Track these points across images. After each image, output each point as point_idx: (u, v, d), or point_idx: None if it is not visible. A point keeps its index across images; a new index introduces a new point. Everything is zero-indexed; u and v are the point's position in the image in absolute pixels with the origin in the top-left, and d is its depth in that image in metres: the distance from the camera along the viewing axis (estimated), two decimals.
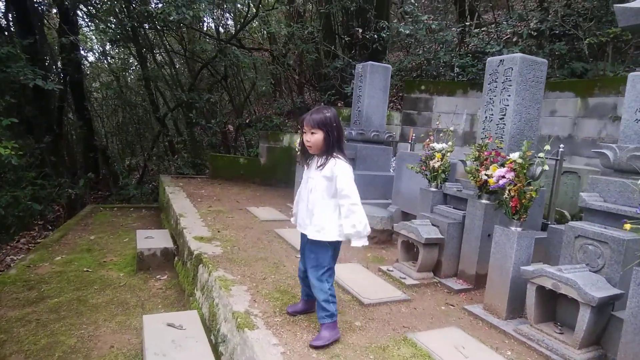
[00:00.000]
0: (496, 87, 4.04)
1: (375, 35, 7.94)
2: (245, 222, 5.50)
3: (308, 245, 2.74)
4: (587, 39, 6.18)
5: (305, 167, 2.77)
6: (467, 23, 7.92)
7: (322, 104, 8.50)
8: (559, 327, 2.80)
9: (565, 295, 2.64)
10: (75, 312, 4.06)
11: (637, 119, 2.94)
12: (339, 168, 2.55)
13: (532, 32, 7.00)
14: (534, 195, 2.92)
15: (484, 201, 3.65)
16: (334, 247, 2.70)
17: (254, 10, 10.01)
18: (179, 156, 9.72)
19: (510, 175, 3.05)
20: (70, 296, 4.40)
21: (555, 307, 2.92)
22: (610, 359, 2.59)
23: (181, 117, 11.59)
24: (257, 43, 11.77)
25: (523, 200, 2.98)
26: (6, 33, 9.55)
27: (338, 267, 3.60)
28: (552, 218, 4.24)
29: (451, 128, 4.40)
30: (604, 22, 6.34)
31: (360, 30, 8.22)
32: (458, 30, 7.62)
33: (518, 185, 2.98)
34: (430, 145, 4.30)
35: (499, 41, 7.16)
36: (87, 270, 5.12)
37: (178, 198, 6.60)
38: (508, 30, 7.19)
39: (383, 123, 6.33)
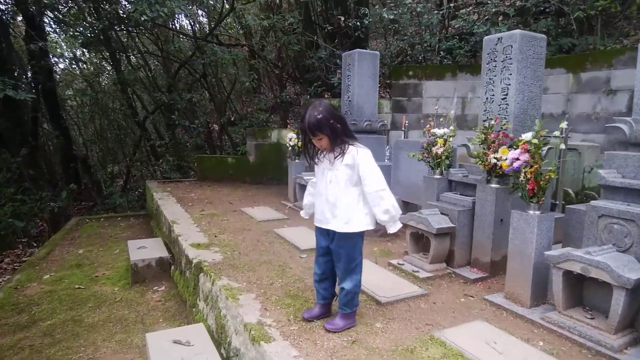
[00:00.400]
0: (495, 66, 3.89)
1: (358, 23, 7.73)
2: (241, 224, 5.28)
3: (336, 240, 2.62)
4: (577, 13, 6.09)
5: (317, 162, 2.66)
6: (450, 4, 7.77)
7: (308, 97, 8.29)
8: (589, 312, 2.69)
9: (595, 278, 2.52)
10: (71, 334, 3.81)
11: None
12: (361, 155, 2.51)
13: (517, 10, 6.90)
14: (552, 176, 2.79)
15: (494, 185, 3.52)
16: (362, 238, 2.64)
17: (227, 6, 9.71)
18: (164, 160, 9.39)
19: (525, 156, 2.91)
20: (64, 317, 4.14)
21: (581, 291, 2.80)
22: None
23: (161, 119, 11.25)
24: (233, 39, 11.44)
25: (541, 182, 2.84)
26: None
27: None
28: (560, 197, 4.15)
29: (451, 112, 4.25)
30: None
31: (343, 19, 8.00)
32: (441, 12, 7.46)
33: (535, 167, 2.84)
34: (432, 131, 4.14)
35: (484, 21, 7.04)
36: (79, 287, 4.85)
37: (168, 204, 6.33)
38: (493, 10, 7.07)
39: (375, 112, 6.16)
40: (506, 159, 3.31)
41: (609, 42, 5.93)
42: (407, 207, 5.24)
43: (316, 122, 2.43)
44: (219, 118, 9.82)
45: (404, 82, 7.37)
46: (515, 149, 3.28)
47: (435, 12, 7.58)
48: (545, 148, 3.02)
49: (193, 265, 3.94)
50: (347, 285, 2.62)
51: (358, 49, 5.94)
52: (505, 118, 3.77)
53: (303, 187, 6.18)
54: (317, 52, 8.08)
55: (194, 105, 10.05)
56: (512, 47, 3.72)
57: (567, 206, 3.13)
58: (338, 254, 2.63)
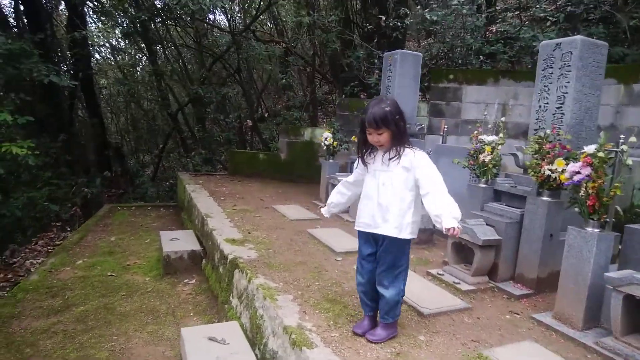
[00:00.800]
0: (552, 73, 3.72)
1: (399, 23, 7.58)
2: (274, 222, 5.24)
3: (384, 245, 2.51)
4: (633, 21, 5.82)
5: (369, 162, 2.55)
6: (495, 8, 7.55)
7: (343, 96, 8.20)
8: None
9: None
10: (103, 322, 3.83)
11: None
12: (419, 158, 2.42)
13: (566, 16, 6.64)
14: (618, 193, 2.62)
15: (545, 198, 3.35)
16: (410, 245, 2.57)
17: (264, 2, 9.72)
18: (196, 152, 9.46)
19: (587, 170, 2.75)
20: (97, 304, 4.18)
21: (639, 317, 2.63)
22: None
23: (193, 112, 11.34)
24: (268, 35, 11.45)
25: (604, 199, 2.67)
26: (16, 30, 9.30)
27: None
28: (611, 215, 3.93)
29: (502, 119, 4.09)
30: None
31: (384, 18, 7.86)
32: (485, 15, 7.24)
33: (598, 182, 2.67)
34: (479, 137, 3.99)
35: (531, 25, 6.80)
36: (112, 275, 4.90)
37: (201, 197, 6.35)
38: (540, 14, 6.82)
39: (414, 114, 6.02)
40: (562, 171, 3.15)
41: None
42: None
43: (383, 115, 2.34)
44: (252, 114, 9.83)
45: (443, 86, 7.19)
46: (572, 161, 3.12)
47: (479, 15, 7.38)
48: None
49: (228, 261, 3.90)
50: (389, 293, 2.51)
51: (400, 50, 5.81)
52: (560, 128, 3.59)
53: (335, 187, 6.10)
54: (355, 51, 7.98)
55: (226, 99, 10.09)
56: (571, 53, 3.54)
57: (626, 225, 2.95)
58: (384, 259, 2.52)
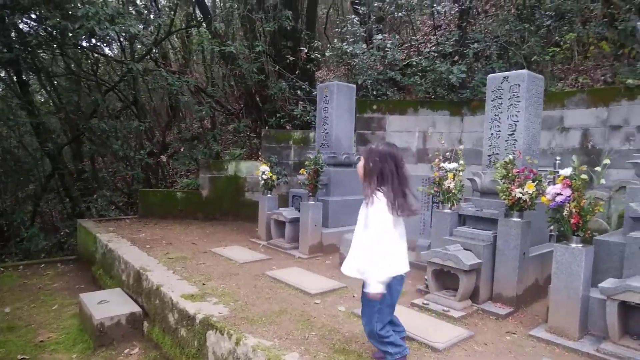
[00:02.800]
0: (501, 103, 4.06)
1: (319, 55, 7.71)
2: (224, 269, 4.74)
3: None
4: (534, 57, 6.78)
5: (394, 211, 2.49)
6: (413, 43, 8.19)
7: (267, 127, 7.97)
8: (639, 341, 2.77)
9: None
10: None
11: None
12: (373, 206, 2.46)
13: (475, 54, 7.48)
14: (601, 210, 2.89)
15: (516, 219, 3.57)
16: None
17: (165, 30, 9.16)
18: (98, 195, 8.23)
19: (568, 192, 2.99)
20: None
21: (627, 321, 2.89)
22: None
23: (87, 150, 9.92)
24: (178, 66, 10.77)
25: (587, 217, 2.92)
26: None
27: None
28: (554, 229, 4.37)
29: (460, 147, 4.31)
30: (534, 42, 7.05)
31: (305, 51, 7.93)
32: (404, 49, 7.80)
33: (582, 202, 2.92)
34: (441, 165, 4.14)
35: (443, 60, 7.49)
36: (24, 358, 3.89)
37: (122, 247, 5.49)
38: (450, 50, 7.57)
39: (351, 144, 6.09)
40: (533, 193, 3.40)
41: (555, 85, 6.63)
42: None
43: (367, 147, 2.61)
44: (160, 148, 8.98)
45: (368, 116, 7.46)
46: (538, 183, 3.39)
47: (400, 49, 7.89)
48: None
49: (198, 321, 3.36)
50: (366, 330, 2.63)
51: (336, 82, 5.87)
52: (513, 153, 3.90)
53: (279, 224, 5.81)
54: (278, 83, 7.86)
55: (131, 134, 9.08)
56: (519, 85, 3.91)
57: (594, 238, 3.27)
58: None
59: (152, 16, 9.07)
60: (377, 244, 2.40)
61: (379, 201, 2.42)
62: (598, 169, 3.01)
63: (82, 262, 6.86)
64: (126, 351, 4.02)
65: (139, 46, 9.41)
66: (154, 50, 9.81)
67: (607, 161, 3.00)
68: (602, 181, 3.02)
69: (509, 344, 3.03)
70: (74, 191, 8.03)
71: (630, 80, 5.61)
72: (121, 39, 9.45)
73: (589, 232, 2.98)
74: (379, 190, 2.46)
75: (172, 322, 3.76)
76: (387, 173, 2.46)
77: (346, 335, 3.09)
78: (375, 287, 2.37)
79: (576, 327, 2.98)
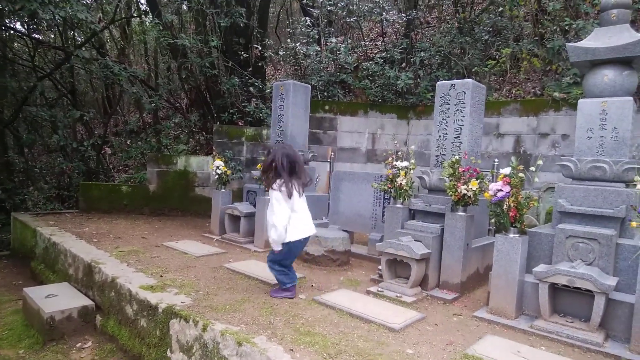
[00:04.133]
0: (448, 108, 4.43)
1: (272, 54, 7.82)
2: (180, 262, 4.72)
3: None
4: (474, 68, 7.36)
5: (293, 190, 3.58)
6: (364, 46, 8.51)
7: (218, 123, 7.91)
8: (569, 318, 3.20)
9: (568, 288, 3.07)
10: None
11: (589, 137, 3.61)
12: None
13: (420, 62, 7.97)
14: (535, 204, 3.30)
15: (461, 213, 3.94)
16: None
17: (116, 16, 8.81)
18: (35, 187, 7.70)
19: (507, 188, 3.38)
20: None
21: (554, 300, 3.33)
22: (614, 335, 3.07)
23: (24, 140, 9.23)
24: (118, 55, 10.33)
25: (524, 210, 3.33)
26: None
27: (334, 297, 3.76)
28: (493, 224, 4.84)
29: (412, 147, 4.63)
30: (473, 54, 7.67)
31: (260, 48, 7.98)
32: (357, 52, 8.10)
33: (519, 197, 3.32)
34: (394, 163, 4.44)
35: (392, 66, 7.90)
36: None
37: (68, 240, 5.26)
38: (397, 57, 8.00)
39: (306, 142, 6.26)
40: (476, 190, 3.78)
41: (491, 94, 7.26)
42: (350, 237, 5.40)
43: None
44: (103, 139, 8.59)
45: (320, 116, 7.67)
46: (481, 181, 3.79)
47: (354, 53, 8.19)
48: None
49: (161, 310, 3.37)
50: None
51: (292, 81, 6.02)
52: (458, 154, 4.29)
53: (234, 219, 5.85)
54: (231, 79, 7.84)
55: (62, 122, 8.59)
56: (465, 93, 4.30)
57: (528, 230, 3.70)
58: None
59: (95, 2, 8.71)
60: (270, 218, 3.58)
61: (273, 190, 3.55)
62: (532, 169, 3.42)
63: (17, 258, 6.45)
64: (78, 345, 3.92)
65: (72, 32, 8.96)
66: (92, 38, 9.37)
67: (540, 162, 3.42)
68: (536, 180, 3.43)
69: (456, 324, 3.36)
70: (7, 183, 7.46)
71: (556, 94, 6.31)
72: (61, 25, 8.96)
73: (524, 224, 3.38)
74: (276, 181, 3.53)
75: (131, 313, 3.71)
76: (280, 168, 3.53)
77: (309, 319, 3.26)
78: (273, 245, 3.62)
79: (513, 308, 3.37)
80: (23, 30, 9.51)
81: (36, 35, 10.01)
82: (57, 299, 4.20)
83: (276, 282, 3.80)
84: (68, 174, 8.16)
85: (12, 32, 9.27)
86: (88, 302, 4.19)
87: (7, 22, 7.27)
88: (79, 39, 10.40)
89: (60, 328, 3.93)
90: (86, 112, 8.61)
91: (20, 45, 10.53)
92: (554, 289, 3.24)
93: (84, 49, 8.96)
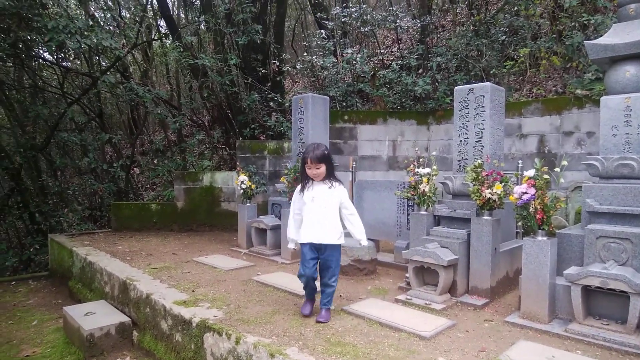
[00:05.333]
0: (468, 113, 4.43)
1: (289, 68, 7.97)
2: (211, 276, 4.83)
3: (328, 251, 3.42)
4: (492, 70, 7.33)
5: (304, 191, 3.44)
6: (380, 55, 8.58)
7: (240, 138, 8.09)
8: (604, 321, 3.14)
9: (601, 290, 3.01)
10: None
11: (614, 134, 3.55)
12: (341, 189, 3.50)
13: (438, 66, 7.98)
14: (563, 205, 3.27)
15: (487, 218, 3.92)
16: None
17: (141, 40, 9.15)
18: (70, 209, 8.03)
19: (533, 191, 3.36)
20: None
21: (589, 303, 3.27)
22: None
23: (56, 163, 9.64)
24: (141, 77, 10.70)
25: (551, 212, 3.29)
26: None
27: (363, 306, 3.77)
28: (520, 226, 4.78)
29: (433, 153, 4.65)
30: (490, 56, 7.64)
31: (277, 63, 8.16)
32: (373, 61, 8.18)
33: (545, 199, 3.29)
34: (416, 170, 4.46)
35: (409, 72, 7.94)
36: None
37: (103, 259, 5.45)
38: (414, 64, 8.04)
39: None
40: (501, 194, 3.76)
41: (511, 95, 7.20)
42: (376, 245, 5.42)
43: (321, 153, 3.34)
44: (131, 160, 8.90)
45: (340, 126, 7.76)
46: (505, 184, 3.76)
47: (370, 62, 8.26)
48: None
49: (195, 325, 3.47)
50: (330, 290, 3.50)
51: (311, 94, 6.12)
52: (480, 158, 4.28)
53: (260, 232, 5.95)
54: (251, 95, 8.03)
55: (93, 145, 8.94)
56: (484, 96, 4.30)
57: (557, 231, 3.65)
58: (329, 261, 3.43)
59: (117, 29, 9.07)
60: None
61: (342, 185, 3.51)
62: (557, 169, 3.39)
63: (55, 278, 6.71)
64: None
65: (97, 58, 9.35)
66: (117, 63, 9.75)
67: (565, 162, 3.39)
68: (562, 181, 3.39)
69: (488, 330, 3.33)
70: (43, 206, 7.81)
71: (579, 91, 6.21)
72: (87, 52, 9.36)
73: (552, 226, 3.35)
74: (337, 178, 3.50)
75: (166, 328, 3.83)
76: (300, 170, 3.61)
77: (339, 330, 3.29)
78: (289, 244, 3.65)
79: (546, 312, 3.32)
80: (52, 59, 9.98)
81: (64, 63, 10.50)
82: (95, 316, 4.37)
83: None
84: (100, 195, 8.48)
85: (41, 61, 9.74)
86: (125, 318, 4.34)
87: (36, 51, 7.64)
88: (103, 64, 10.85)
89: (100, 344, 4.08)
90: (114, 134, 8.92)
91: (49, 73, 11.02)
92: (587, 291, 3.18)
93: (109, 73, 9.34)
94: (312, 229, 3.38)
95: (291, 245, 3.66)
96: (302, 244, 3.45)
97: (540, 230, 3.38)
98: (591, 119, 6.09)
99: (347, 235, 3.61)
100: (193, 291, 4.25)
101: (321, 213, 3.36)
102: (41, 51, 9.65)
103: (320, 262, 3.45)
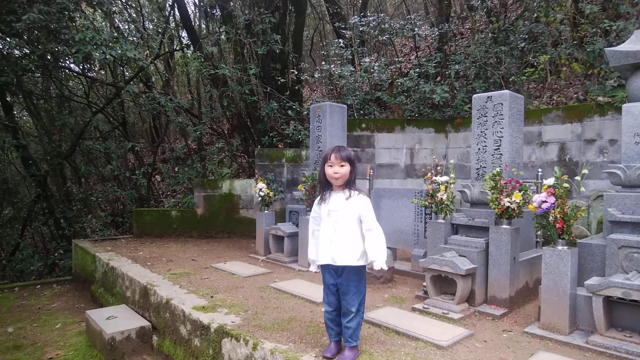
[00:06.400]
0: (486, 121, 4.41)
1: (308, 77, 8.06)
2: (229, 283, 4.89)
3: (345, 274, 2.88)
4: (511, 77, 7.27)
5: (322, 205, 2.98)
6: (397, 63, 8.62)
7: (259, 146, 8.21)
8: (627, 332, 3.07)
9: (624, 301, 2.94)
10: None
11: (636, 142, 3.49)
12: (361, 199, 2.89)
13: (456, 74, 7.97)
14: (583, 215, 3.22)
15: (506, 226, 3.88)
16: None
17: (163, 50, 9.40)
18: (94, 215, 8.27)
19: (552, 199, 3.32)
20: None
21: (611, 314, 3.20)
22: None
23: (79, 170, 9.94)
24: (163, 87, 10.97)
25: (571, 221, 3.25)
26: None
27: (379, 315, 3.72)
28: (540, 236, 4.71)
29: (451, 161, 4.63)
30: (509, 63, 7.59)
31: (296, 73, 8.27)
32: (391, 69, 8.22)
33: (565, 208, 3.25)
34: (433, 178, 4.45)
35: (427, 80, 7.94)
36: None
37: (125, 265, 5.58)
38: (432, 71, 8.04)
39: None
40: (520, 202, 3.72)
41: (530, 102, 7.12)
42: (393, 253, 5.40)
43: (347, 153, 2.90)
44: (153, 167, 9.10)
45: (357, 134, 7.79)
46: (524, 193, 3.72)
47: (387, 71, 8.31)
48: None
49: (213, 330, 3.52)
50: (355, 324, 2.90)
51: (329, 102, 6.17)
52: (499, 166, 4.24)
53: (278, 239, 6.01)
54: (269, 104, 8.15)
55: (116, 153, 9.19)
56: (502, 104, 4.27)
57: (578, 241, 3.59)
58: (349, 286, 2.88)
59: (141, 40, 9.35)
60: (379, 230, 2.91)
61: (364, 195, 2.94)
62: (578, 178, 3.34)
63: (78, 282, 6.88)
64: None
65: (121, 68, 9.65)
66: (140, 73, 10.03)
67: (585, 171, 3.34)
68: (582, 189, 3.34)
69: (507, 340, 3.29)
70: (68, 212, 8.05)
71: (600, 98, 6.11)
72: (111, 63, 9.66)
73: (572, 235, 3.29)
74: (358, 188, 2.97)
75: (185, 333, 3.89)
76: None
77: None
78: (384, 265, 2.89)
79: (566, 323, 3.26)
80: (78, 69, 10.32)
81: (90, 74, 10.85)
82: (116, 320, 4.47)
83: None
84: (122, 201, 8.69)
85: (68, 71, 10.08)
86: (145, 323, 4.43)
87: (63, 62, 7.93)
88: (127, 74, 11.17)
89: (121, 348, 4.17)
90: (136, 142, 9.16)
91: (75, 83, 11.38)
92: (609, 302, 3.12)
93: (132, 83, 9.61)
94: (328, 248, 2.89)
95: (313, 268, 3.12)
96: (322, 267, 3.01)
97: (560, 240, 3.33)
98: (613, 126, 5.97)
99: None
100: (212, 297, 4.32)
101: (336, 229, 2.86)
102: (68, 62, 10.02)
103: (338, 287, 2.93)
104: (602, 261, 3.40)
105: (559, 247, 3.32)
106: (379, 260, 2.83)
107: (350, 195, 2.88)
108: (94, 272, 6.21)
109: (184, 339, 3.90)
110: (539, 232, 4.40)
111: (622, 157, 3.58)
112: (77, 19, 8.45)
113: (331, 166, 2.87)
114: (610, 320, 3.17)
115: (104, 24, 10.30)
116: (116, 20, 10.84)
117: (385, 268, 2.87)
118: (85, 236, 7.79)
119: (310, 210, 5.69)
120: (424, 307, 3.90)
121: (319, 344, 3.15)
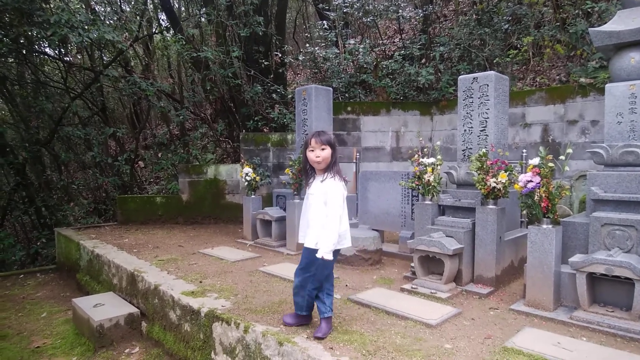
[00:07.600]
0: (472, 102, 4.43)
1: (292, 59, 7.95)
2: (217, 267, 4.87)
3: (306, 254, 3.00)
4: (495, 59, 7.30)
5: (307, 187, 3.12)
6: (382, 45, 8.55)
7: (244, 131, 8.11)
8: (609, 308, 3.17)
9: (608, 277, 3.03)
10: None
11: (619, 122, 3.55)
12: (331, 182, 2.95)
13: (440, 56, 7.95)
14: (567, 194, 3.28)
15: (492, 207, 3.94)
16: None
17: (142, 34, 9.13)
18: (75, 203, 8.09)
19: (537, 179, 3.37)
20: None
21: (594, 290, 3.29)
22: None
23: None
24: (142, 71, 10.69)
25: (556, 200, 3.31)
26: None
27: (369, 295, 3.76)
28: (525, 215, 4.80)
29: (437, 142, 4.66)
30: (493, 45, 7.61)
31: (280, 55, 8.14)
32: (375, 52, 8.15)
33: (550, 187, 3.30)
34: (420, 160, 4.47)
35: (412, 62, 7.91)
36: None
37: (110, 252, 5.51)
38: (417, 54, 8.01)
39: None
40: (506, 182, 3.77)
41: (514, 84, 7.18)
42: (381, 235, 5.44)
43: (327, 136, 2.97)
44: (135, 153, 8.93)
45: (343, 117, 7.76)
46: (509, 173, 3.77)
47: (372, 53, 8.24)
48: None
49: (203, 314, 3.52)
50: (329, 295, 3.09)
51: (314, 85, 6.12)
52: (485, 147, 4.28)
53: (266, 224, 5.99)
54: (253, 87, 8.03)
55: (97, 139, 8.98)
56: (488, 85, 4.29)
57: (562, 220, 3.67)
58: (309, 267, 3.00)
59: (119, 23, 9.06)
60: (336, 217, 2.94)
61: (337, 181, 2.98)
62: (562, 157, 3.39)
63: (63, 271, 6.78)
64: (127, 351, 4.11)
65: (99, 52, 9.36)
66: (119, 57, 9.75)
67: (569, 150, 3.39)
68: (567, 169, 3.40)
69: (493, 317, 3.37)
70: (49, 200, 7.87)
71: (582, 79, 6.19)
72: (89, 47, 9.36)
73: (557, 214, 3.36)
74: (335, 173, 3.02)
75: (174, 318, 3.88)
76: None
77: (346, 318, 3.33)
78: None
79: (551, 299, 3.35)
80: (53, 54, 9.98)
81: (66, 58, 10.50)
82: (104, 307, 4.43)
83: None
84: (104, 189, 8.53)
85: (43, 56, 9.74)
86: (133, 309, 4.40)
87: (38, 47, 7.66)
88: (105, 58, 10.85)
89: (109, 335, 4.14)
90: (117, 128, 8.95)
91: (51, 68, 11.03)
92: (592, 278, 3.21)
93: (111, 67, 9.35)
94: (302, 230, 3.06)
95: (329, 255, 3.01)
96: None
97: (545, 219, 3.39)
98: (595, 107, 6.07)
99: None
100: (200, 282, 4.30)
101: (307, 211, 3.02)
102: (43, 47, 9.68)
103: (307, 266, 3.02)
104: (586, 239, 3.49)
105: (544, 226, 3.39)
106: (321, 249, 2.84)
107: (324, 178, 2.96)
108: (79, 261, 6.11)
109: (174, 324, 3.89)
110: (524, 212, 4.47)
111: (605, 136, 3.65)
112: (51, 0, 8.16)
113: (312, 150, 2.95)
114: (593, 296, 3.27)
115: (79, 5, 9.94)
116: (92, 2, 10.48)
117: (329, 258, 2.84)
118: (68, 224, 7.65)
119: (297, 194, 5.72)
120: (412, 288, 3.96)
121: (310, 325, 3.17)
